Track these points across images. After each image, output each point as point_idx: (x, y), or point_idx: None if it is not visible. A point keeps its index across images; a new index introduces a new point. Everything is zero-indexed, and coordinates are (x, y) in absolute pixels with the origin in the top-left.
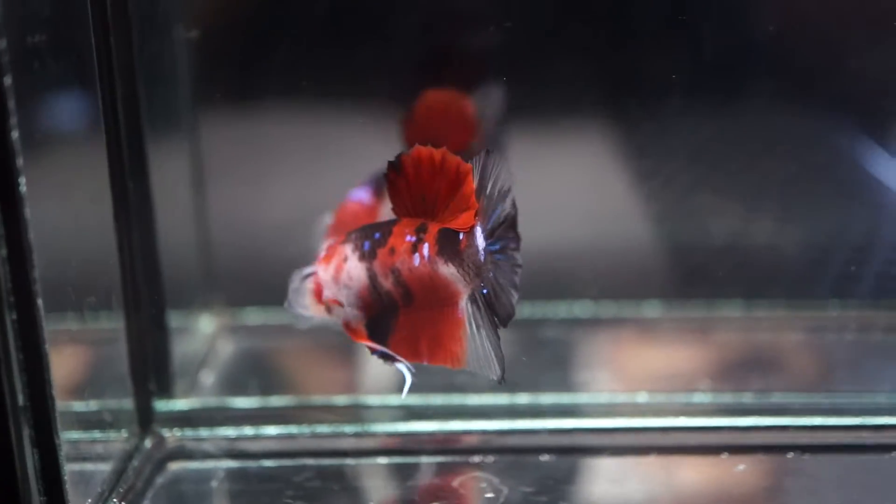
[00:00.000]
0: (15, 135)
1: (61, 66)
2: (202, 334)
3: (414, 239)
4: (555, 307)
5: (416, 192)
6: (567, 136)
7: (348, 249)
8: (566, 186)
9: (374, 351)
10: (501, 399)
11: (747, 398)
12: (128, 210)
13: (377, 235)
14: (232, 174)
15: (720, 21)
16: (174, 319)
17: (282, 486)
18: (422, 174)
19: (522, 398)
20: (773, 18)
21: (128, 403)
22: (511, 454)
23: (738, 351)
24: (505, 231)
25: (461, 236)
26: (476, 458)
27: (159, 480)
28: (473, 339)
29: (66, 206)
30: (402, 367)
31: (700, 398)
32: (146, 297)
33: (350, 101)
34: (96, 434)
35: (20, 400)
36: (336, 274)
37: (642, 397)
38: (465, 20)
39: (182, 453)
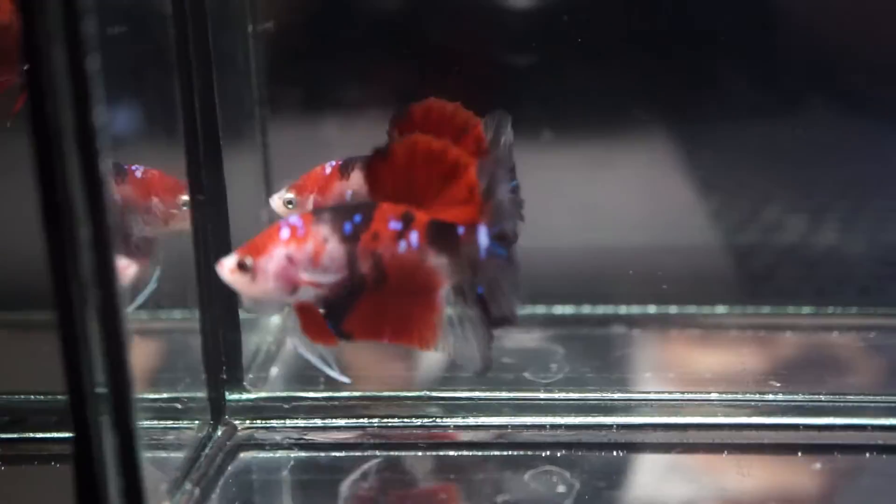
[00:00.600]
0: (99, 118)
1: (141, 57)
2: (272, 328)
3: (400, 226)
4: (622, 308)
5: (401, 179)
6: (632, 140)
7: (325, 230)
8: (631, 190)
9: (328, 316)
10: (571, 395)
11: (822, 398)
12: (202, 203)
13: (357, 218)
14: (299, 169)
15: (786, 25)
16: (245, 313)
17: (355, 478)
18: (415, 162)
19: (592, 394)
20: (840, 22)
21: (201, 394)
22: (581, 450)
23: (810, 352)
24: (514, 237)
25: (461, 230)
26: (545, 453)
27: (230, 468)
28: (453, 328)
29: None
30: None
31: (773, 397)
32: (219, 290)
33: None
34: (171, 423)
35: (100, 384)
36: (315, 256)
37: (714, 395)
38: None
39: (253, 443)
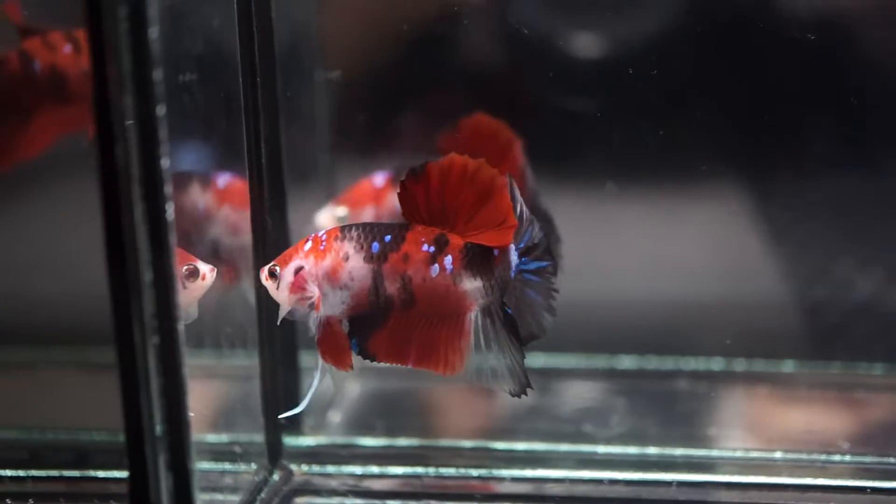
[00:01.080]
0: (165, 163)
1: (210, 103)
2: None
3: (433, 249)
4: (687, 361)
5: (435, 202)
6: (701, 191)
7: (349, 248)
8: (700, 242)
9: (352, 335)
10: (631, 450)
11: (891, 460)
12: (265, 247)
13: (387, 238)
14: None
15: (856, 71)
16: (304, 358)
17: None
18: (449, 183)
19: (652, 450)
20: None
21: (258, 437)
22: None
23: (880, 413)
24: (542, 254)
25: (495, 251)
26: None
27: None
28: (480, 352)
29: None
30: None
31: (839, 458)
32: (279, 334)
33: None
34: (228, 465)
35: (157, 424)
36: (333, 272)
37: (778, 455)
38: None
39: (309, 488)
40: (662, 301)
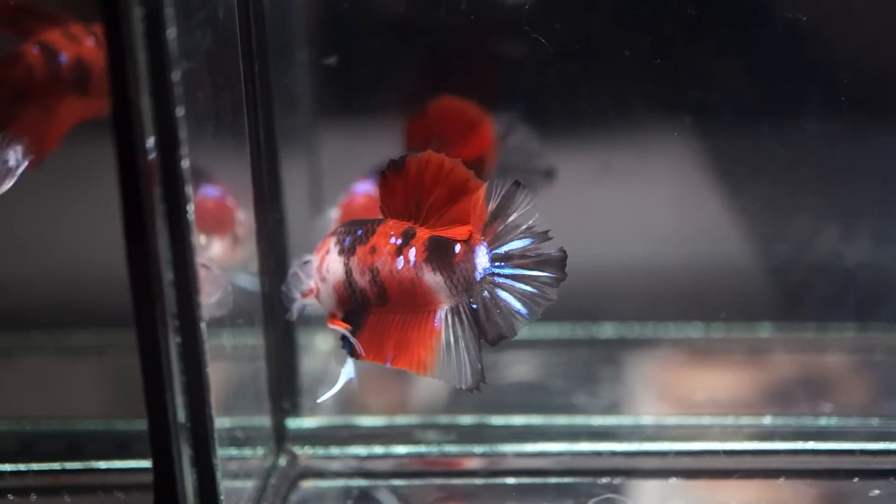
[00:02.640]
0: (185, 164)
1: (217, 94)
2: (321, 352)
3: (399, 242)
4: (664, 329)
5: (411, 195)
6: (659, 153)
7: (332, 242)
8: (661, 206)
9: (343, 338)
10: (625, 420)
11: (874, 422)
12: (267, 232)
13: (359, 232)
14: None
15: (818, 33)
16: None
17: None
18: (425, 179)
19: (647, 419)
20: (877, 32)
21: (266, 421)
22: (639, 477)
23: (858, 373)
24: (539, 265)
25: (458, 248)
26: (604, 480)
27: (294, 498)
28: (448, 350)
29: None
30: (349, 368)
31: (826, 421)
32: (280, 315)
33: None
34: (243, 451)
35: (181, 420)
36: (319, 265)
37: (767, 420)
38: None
39: (313, 471)
40: (625, 265)
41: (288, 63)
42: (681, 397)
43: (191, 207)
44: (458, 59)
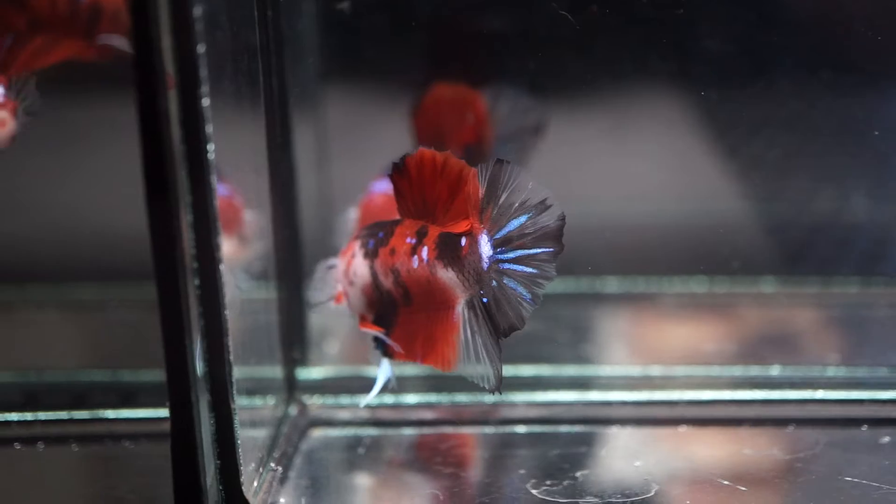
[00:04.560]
0: (206, 102)
1: (232, 39)
2: (329, 306)
3: (414, 241)
4: (667, 282)
5: (417, 194)
6: (649, 113)
7: (357, 246)
8: (654, 161)
9: (375, 339)
10: (633, 371)
11: (882, 372)
12: (279, 183)
13: (381, 234)
14: (354, 152)
15: None
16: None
17: (427, 454)
18: (424, 176)
19: (655, 370)
20: None
21: (278, 372)
22: (650, 425)
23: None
24: (535, 241)
25: (463, 241)
26: (615, 428)
27: (304, 446)
28: (467, 345)
29: (237, 178)
30: (385, 368)
31: (835, 372)
32: (291, 267)
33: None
34: (255, 401)
35: (200, 366)
36: (346, 269)
37: (775, 370)
38: None
39: (323, 420)
40: (622, 222)
41: (299, 11)
42: (689, 348)
43: (212, 147)
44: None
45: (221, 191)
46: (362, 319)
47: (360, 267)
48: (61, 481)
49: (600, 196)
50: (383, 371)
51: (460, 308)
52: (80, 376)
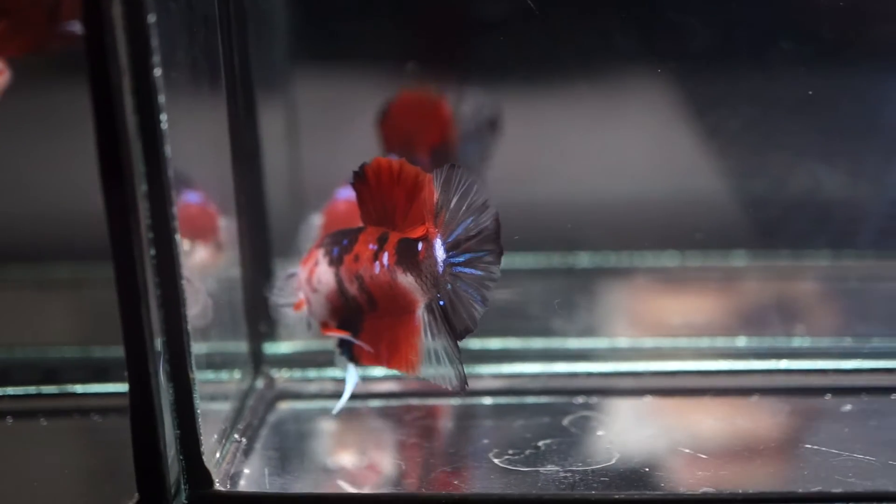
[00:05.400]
0: (157, 72)
1: (190, 13)
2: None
3: (375, 247)
4: (642, 257)
5: (378, 202)
6: (632, 93)
7: (320, 254)
8: (636, 143)
9: (341, 344)
10: (602, 343)
11: (846, 342)
12: (241, 158)
13: (345, 242)
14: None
15: None
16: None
17: (393, 425)
18: (382, 184)
19: (622, 342)
20: None
21: (243, 346)
22: (615, 395)
23: (831, 298)
24: (479, 244)
25: (420, 246)
26: (580, 399)
27: (271, 419)
28: (428, 348)
29: (193, 149)
30: (352, 373)
31: (800, 342)
32: (257, 242)
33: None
34: (220, 374)
35: (157, 336)
36: (309, 276)
37: (741, 341)
38: None
39: (291, 393)
40: (607, 199)
41: None
42: (657, 321)
43: (164, 117)
44: None
45: (194, 198)
46: (324, 325)
47: (325, 274)
48: (29, 454)
49: (582, 175)
50: (350, 377)
51: (420, 312)
52: (51, 352)
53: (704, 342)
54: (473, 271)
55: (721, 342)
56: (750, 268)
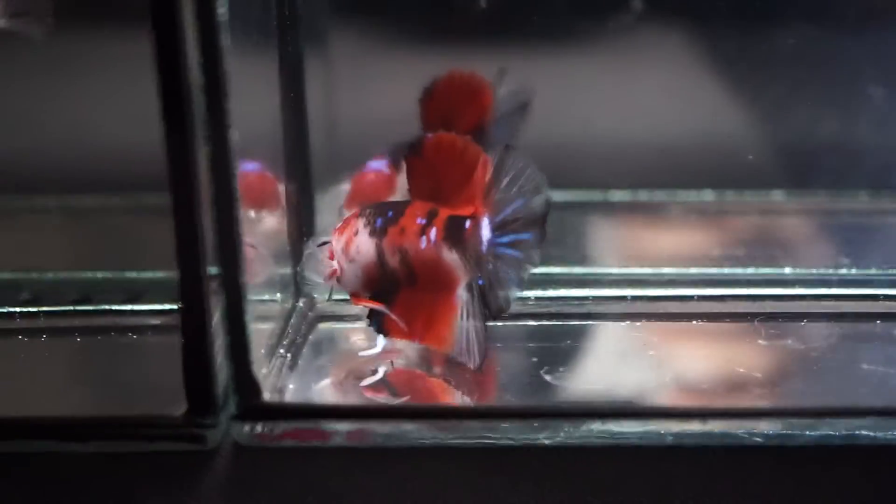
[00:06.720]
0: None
1: None
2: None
3: (424, 222)
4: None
5: (431, 177)
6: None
7: (360, 224)
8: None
9: (370, 315)
10: (647, 270)
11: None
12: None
13: (390, 213)
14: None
15: None
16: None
17: None
18: (440, 160)
19: (668, 270)
20: None
21: (286, 269)
22: (662, 320)
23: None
24: (524, 226)
25: (467, 224)
26: (627, 322)
27: (312, 338)
28: (461, 327)
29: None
30: (382, 340)
31: (847, 271)
32: (301, 171)
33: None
34: (265, 296)
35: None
36: (346, 246)
37: (787, 270)
38: None
39: (331, 315)
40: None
41: None
42: (703, 252)
43: (226, 57)
44: None
45: (252, 167)
46: (354, 296)
47: (365, 244)
48: (69, 368)
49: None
50: (381, 343)
51: (460, 291)
52: (85, 275)
53: (750, 270)
54: (514, 253)
55: (767, 270)
56: (790, 206)
